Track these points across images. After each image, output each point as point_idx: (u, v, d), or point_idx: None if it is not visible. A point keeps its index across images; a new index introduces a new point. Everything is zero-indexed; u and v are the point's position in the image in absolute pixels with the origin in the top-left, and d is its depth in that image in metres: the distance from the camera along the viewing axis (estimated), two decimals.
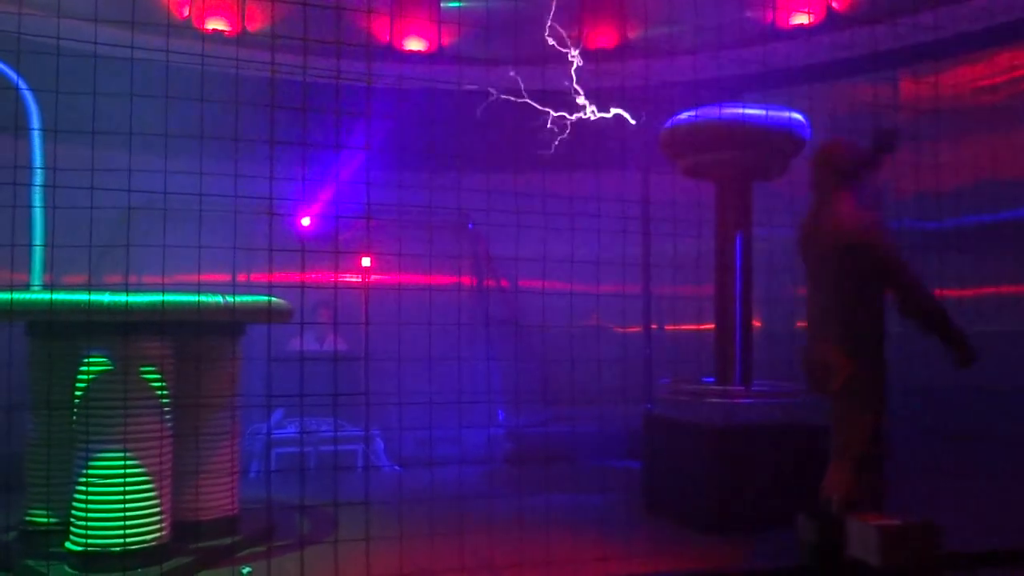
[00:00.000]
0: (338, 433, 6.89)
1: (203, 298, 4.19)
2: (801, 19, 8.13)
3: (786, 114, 5.59)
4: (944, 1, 6.95)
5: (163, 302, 3.98)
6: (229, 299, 4.28)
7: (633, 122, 6.20)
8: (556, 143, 6.13)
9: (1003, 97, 6.96)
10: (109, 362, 4.13)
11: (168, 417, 4.33)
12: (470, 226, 8.06)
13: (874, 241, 3.68)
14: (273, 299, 4.57)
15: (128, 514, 4.04)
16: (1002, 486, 5.95)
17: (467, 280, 8.17)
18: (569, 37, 6.17)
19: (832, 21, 7.93)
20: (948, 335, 3.66)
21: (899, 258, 3.70)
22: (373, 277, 7.83)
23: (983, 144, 6.63)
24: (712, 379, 5.85)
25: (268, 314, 4.12)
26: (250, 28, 7.87)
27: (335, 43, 3.17)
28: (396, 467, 7.25)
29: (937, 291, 3.81)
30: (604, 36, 8.90)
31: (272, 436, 6.75)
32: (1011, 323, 6.57)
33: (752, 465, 5.15)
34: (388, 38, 8.56)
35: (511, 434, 7.57)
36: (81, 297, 3.99)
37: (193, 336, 4.57)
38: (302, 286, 3.27)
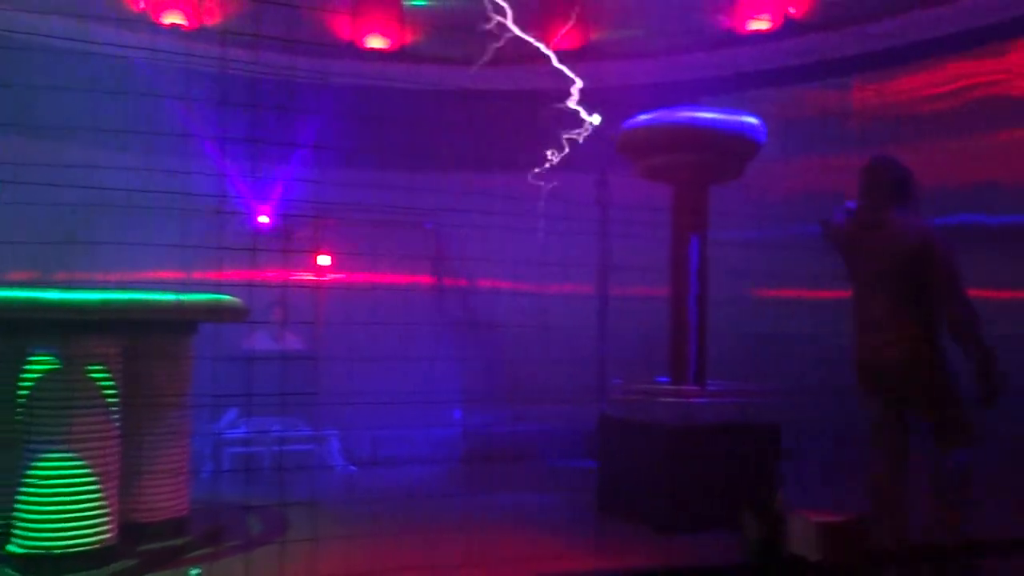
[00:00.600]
0: (291, 433, 6.83)
1: (152, 296, 4.13)
2: (760, 25, 8.25)
3: (741, 118, 5.67)
4: (896, 11, 7.13)
5: (108, 300, 3.91)
6: (181, 297, 4.22)
7: (596, 121, 6.23)
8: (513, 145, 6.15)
9: (949, 106, 7.15)
10: (55, 360, 4.05)
11: (116, 416, 4.25)
12: (427, 225, 8.05)
13: (938, 249, 3.91)
14: (226, 297, 4.52)
15: (72, 515, 3.96)
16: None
17: (425, 279, 8.16)
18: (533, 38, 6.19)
19: (789, 28, 8.07)
20: (981, 356, 3.81)
21: (956, 268, 3.90)
22: (331, 276, 7.79)
23: (928, 151, 6.81)
24: (666, 379, 5.91)
25: (217, 313, 4.07)
26: (208, 23, 7.77)
27: (288, 40, 3.15)
28: (351, 467, 7.21)
29: None
30: (567, 38, 8.93)
31: (225, 436, 6.67)
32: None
33: (706, 464, 5.21)
34: (348, 36, 8.51)
35: (467, 434, 7.58)
36: (25, 294, 3.90)
37: (143, 334, 4.49)
38: (249, 284, 3.24)
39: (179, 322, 4.54)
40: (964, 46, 7.03)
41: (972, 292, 3.88)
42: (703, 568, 2.78)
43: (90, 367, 4.11)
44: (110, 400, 4.20)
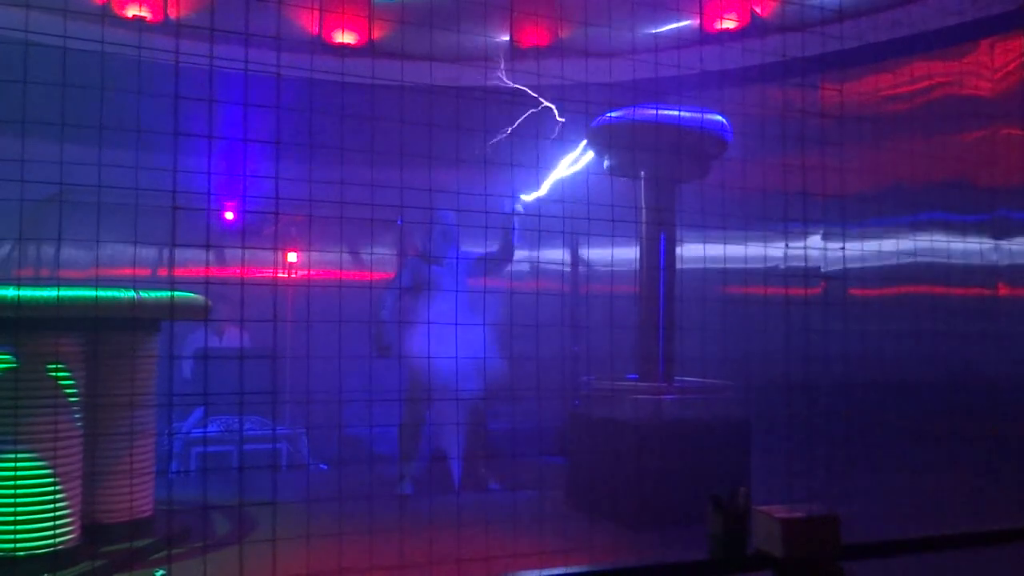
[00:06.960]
0: (260, 431, 6.76)
1: (109, 293, 4.06)
2: (728, 24, 8.31)
3: (709, 116, 5.71)
4: (862, 12, 7.22)
5: (64, 297, 3.83)
6: (140, 294, 4.15)
7: (561, 120, 6.23)
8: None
9: (911, 106, 7.25)
10: (13, 359, 3.97)
11: (77, 416, 4.18)
12: (399, 222, 7.99)
13: None
14: (187, 294, 4.45)
15: (30, 516, 3.89)
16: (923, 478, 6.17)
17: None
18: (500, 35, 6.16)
19: (756, 28, 8.13)
20: None
21: None
22: (301, 272, 7.72)
23: (890, 151, 6.91)
24: (635, 376, 5.94)
25: (178, 310, 4.01)
26: (172, 15, 7.65)
27: (243, 34, 3.10)
28: (322, 465, 7.16)
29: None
30: (537, 34, 8.93)
31: (191, 435, 6.59)
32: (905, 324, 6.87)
33: (675, 460, 5.24)
34: (317, 30, 8.43)
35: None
36: None
37: (104, 332, 4.42)
38: (206, 281, 3.19)
39: (140, 320, 4.47)
40: (926, 47, 7.14)
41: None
42: (667, 565, 2.79)
43: (49, 365, 4.04)
44: (70, 399, 4.13)
